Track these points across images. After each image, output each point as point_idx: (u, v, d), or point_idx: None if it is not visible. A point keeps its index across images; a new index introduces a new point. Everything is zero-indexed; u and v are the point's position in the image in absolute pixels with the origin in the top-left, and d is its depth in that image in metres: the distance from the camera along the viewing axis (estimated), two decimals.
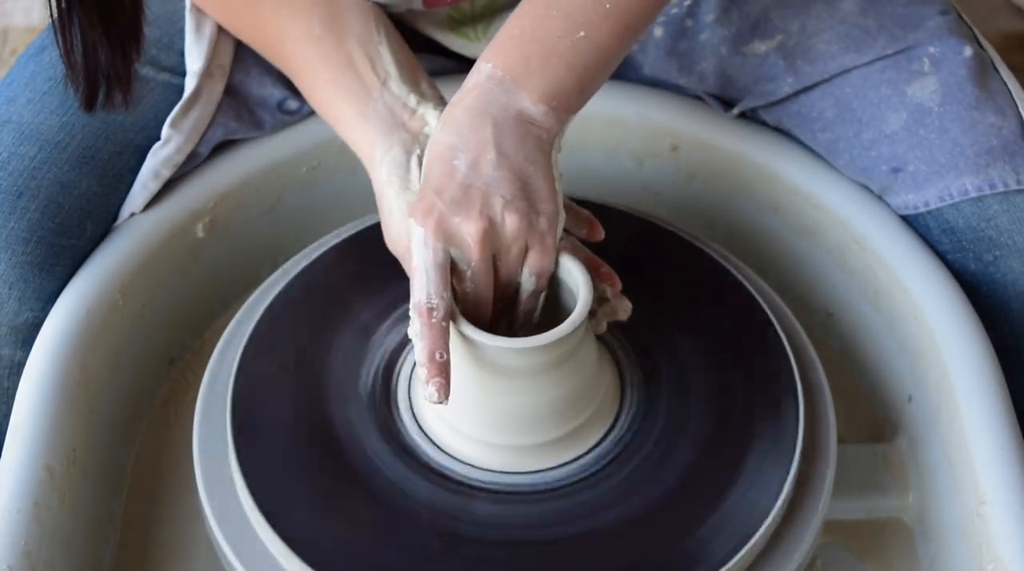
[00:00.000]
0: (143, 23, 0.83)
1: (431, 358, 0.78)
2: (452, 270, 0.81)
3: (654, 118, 1.11)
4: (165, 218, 1.02)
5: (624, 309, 0.87)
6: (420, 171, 0.86)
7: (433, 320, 0.79)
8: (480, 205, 0.80)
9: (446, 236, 0.80)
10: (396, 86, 0.91)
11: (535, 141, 0.82)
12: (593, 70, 0.85)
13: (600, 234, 0.90)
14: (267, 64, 1.06)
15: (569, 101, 0.84)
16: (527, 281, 0.83)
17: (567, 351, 0.82)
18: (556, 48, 0.83)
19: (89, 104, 0.84)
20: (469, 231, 0.80)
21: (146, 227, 1.01)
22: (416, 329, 0.79)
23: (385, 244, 0.87)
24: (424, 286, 0.80)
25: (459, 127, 0.82)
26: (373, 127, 0.89)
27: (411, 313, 0.80)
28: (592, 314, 0.85)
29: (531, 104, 0.83)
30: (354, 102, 0.90)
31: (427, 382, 0.78)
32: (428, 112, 0.89)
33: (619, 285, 0.87)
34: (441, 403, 0.78)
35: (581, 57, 0.84)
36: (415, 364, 0.89)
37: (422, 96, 0.91)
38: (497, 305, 0.84)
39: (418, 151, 0.87)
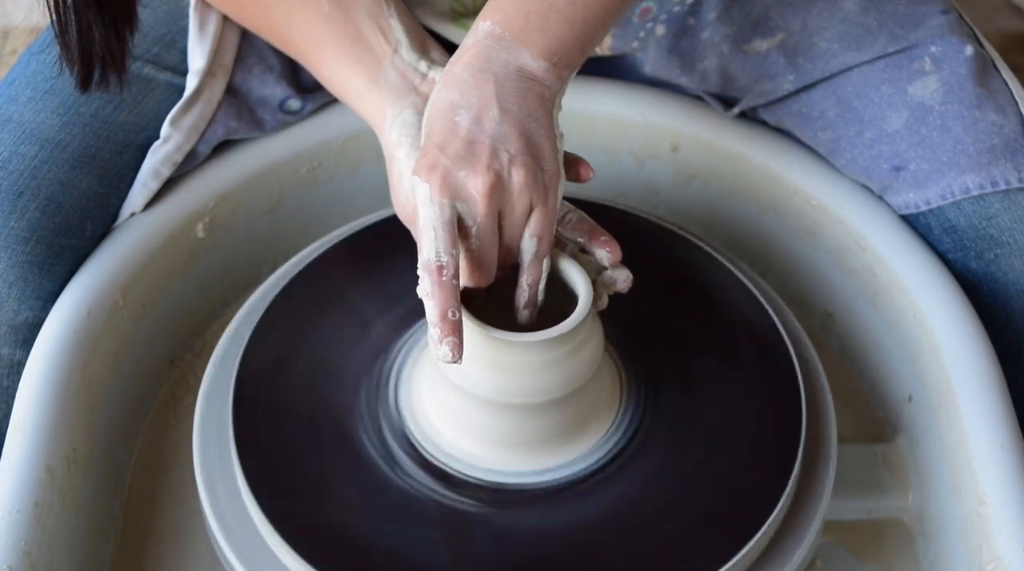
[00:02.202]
0: (137, 2, 0.83)
1: (443, 317, 0.76)
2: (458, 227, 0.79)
3: (654, 118, 1.11)
4: (165, 218, 1.02)
5: (623, 279, 0.85)
6: None
7: (443, 278, 0.77)
8: (487, 159, 0.78)
9: (452, 191, 0.78)
10: (407, 53, 0.91)
11: (537, 98, 0.81)
12: (593, 26, 0.84)
13: (589, 172, 0.87)
14: (269, 63, 1.06)
15: (569, 57, 0.83)
16: (528, 243, 0.81)
17: (569, 348, 0.82)
18: (555, 4, 0.82)
19: (84, 84, 0.84)
20: (476, 185, 0.78)
21: (146, 227, 1.01)
22: (426, 288, 0.77)
23: (384, 241, 0.87)
24: (432, 243, 0.77)
25: (460, 84, 0.81)
26: (384, 93, 0.89)
27: (420, 272, 0.78)
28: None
29: (531, 60, 0.81)
30: (365, 71, 0.90)
31: (440, 341, 0.76)
32: (439, 76, 0.88)
33: (619, 253, 0.85)
34: (455, 362, 0.77)
35: (580, 12, 0.83)
36: (414, 359, 0.90)
37: (433, 62, 0.91)
38: (499, 271, 0.83)
39: None
